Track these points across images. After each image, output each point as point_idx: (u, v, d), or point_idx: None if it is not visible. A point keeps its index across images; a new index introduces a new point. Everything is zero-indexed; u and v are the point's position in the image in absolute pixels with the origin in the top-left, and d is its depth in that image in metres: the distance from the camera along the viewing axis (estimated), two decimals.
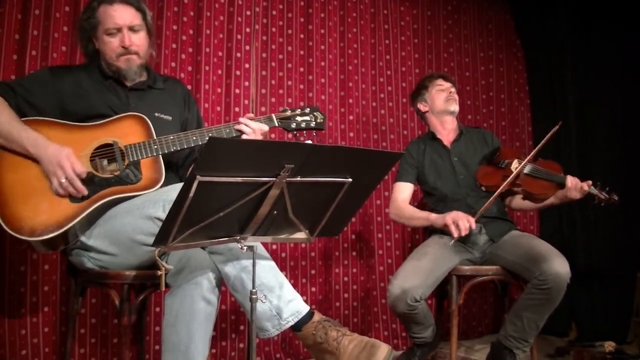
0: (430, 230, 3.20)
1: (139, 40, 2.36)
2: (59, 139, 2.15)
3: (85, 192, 2.11)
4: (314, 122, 2.45)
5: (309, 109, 2.47)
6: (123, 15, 2.31)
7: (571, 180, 2.89)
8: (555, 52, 4.34)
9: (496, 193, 2.91)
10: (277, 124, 2.41)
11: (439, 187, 3.17)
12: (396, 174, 3.32)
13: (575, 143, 4.22)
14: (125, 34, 2.31)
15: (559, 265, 2.63)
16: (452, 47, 4.39)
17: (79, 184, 2.10)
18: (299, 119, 2.44)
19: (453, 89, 3.29)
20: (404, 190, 3.24)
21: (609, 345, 3.47)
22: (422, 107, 3.34)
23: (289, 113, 2.45)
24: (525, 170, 2.99)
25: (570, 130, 4.24)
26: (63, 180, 2.08)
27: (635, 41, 3.95)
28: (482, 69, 4.48)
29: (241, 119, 2.34)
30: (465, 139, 3.29)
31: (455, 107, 3.28)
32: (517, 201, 3.17)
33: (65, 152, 2.10)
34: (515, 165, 3.01)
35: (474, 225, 2.85)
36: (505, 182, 2.91)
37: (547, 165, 3.03)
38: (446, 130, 3.30)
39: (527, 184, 2.97)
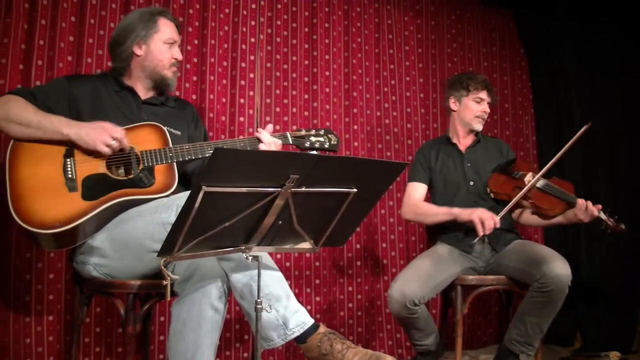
0: (435, 238, 3.20)
1: None
2: None
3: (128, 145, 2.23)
4: (328, 144, 2.52)
5: (323, 131, 2.55)
6: (177, 33, 2.54)
7: (582, 202, 2.86)
8: (559, 60, 4.34)
9: (513, 201, 2.92)
10: (291, 142, 2.49)
11: (447, 192, 3.17)
12: (408, 173, 3.31)
13: (580, 150, 4.21)
14: (178, 48, 2.50)
15: (560, 267, 2.64)
16: (456, 56, 4.40)
17: (126, 141, 2.21)
18: (313, 139, 2.52)
19: (488, 110, 3.24)
20: (417, 189, 3.21)
21: (614, 355, 3.47)
22: (452, 104, 3.29)
23: (303, 132, 2.52)
24: (538, 185, 2.97)
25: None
26: (113, 142, 2.16)
27: (638, 43, 3.96)
28: (486, 78, 4.48)
29: (259, 129, 2.45)
30: (481, 147, 3.27)
31: (479, 128, 3.24)
32: (526, 216, 3.15)
33: (101, 122, 2.21)
34: (528, 178, 3.00)
35: (498, 224, 2.87)
36: (522, 192, 2.91)
37: (561, 184, 3.01)
38: (464, 135, 3.28)
39: (537, 198, 2.95)
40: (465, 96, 3.23)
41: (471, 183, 3.15)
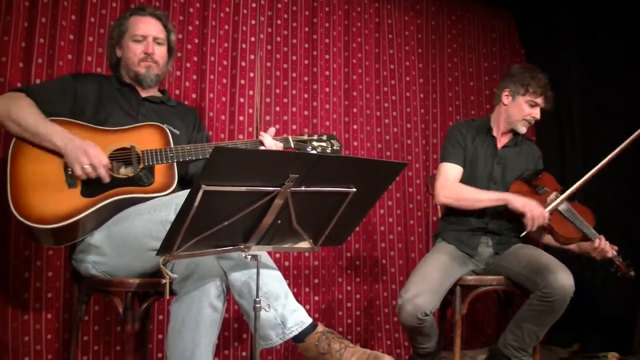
0: (435, 235, 3.20)
1: (159, 52, 2.53)
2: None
3: (108, 178, 2.17)
4: (330, 149, 2.52)
5: (326, 137, 2.54)
6: (151, 27, 2.51)
7: (598, 242, 2.83)
8: (559, 61, 4.34)
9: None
10: (292, 146, 2.49)
11: (468, 184, 3.04)
12: (442, 153, 3.16)
13: (581, 151, 4.22)
14: (150, 42, 2.49)
15: (564, 278, 2.62)
16: (456, 56, 4.40)
17: (103, 170, 2.15)
18: (315, 143, 2.51)
19: (538, 116, 3.05)
20: (454, 171, 3.05)
21: (613, 356, 3.47)
22: (505, 97, 3.09)
23: (306, 137, 2.53)
24: (560, 208, 2.90)
25: (575, 138, 4.25)
26: (87, 166, 2.13)
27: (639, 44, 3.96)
28: (486, 78, 4.49)
29: (262, 133, 2.44)
30: (516, 149, 3.14)
31: (523, 131, 3.09)
32: (543, 235, 3.07)
33: (92, 144, 2.17)
34: (552, 198, 2.93)
35: (546, 221, 2.81)
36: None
37: (582, 211, 2.94)
38: (504, 131, 3.14)
39: (556, 222, 2.89)
40: (522, 95, 3.03)
41: (492, 183, 3.05)
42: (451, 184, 3.03)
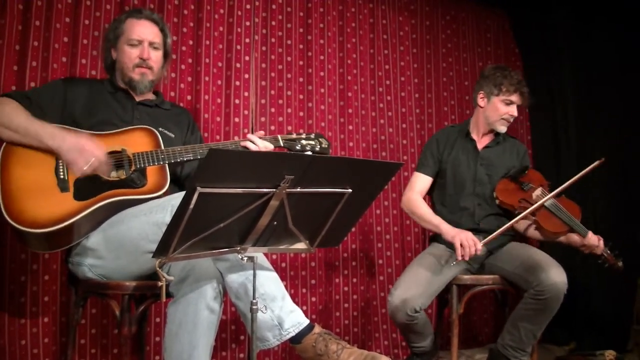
0: (432, 237, 3.19)
1: (155, 57, 2.50)
2: None
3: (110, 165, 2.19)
4: (319, 147, 2.54)
5: (314, 135, 2.57)
6: (147, 31, 2.48)
7: (590, 238, 2.85)
8: (554, 61, 4.35)
9: (511, 222, 2.85)
10: (282, 144, 2.50)
11: (454, 189, 3.09)
12: (418, 158, 3.22)
13: (576, 150, 4.22)
14: (146, 47, 2.46)
15: (556, 275, 2.64)
16: (450, 56, 4.41)
17: (106, 159, 2.16)
18: (304, 142, 2.53)
19: (515, 114, 3.07)
20: (421, 182, 3.12)
21: (609, 354, 3.47)
22: (480, 99, 3.12)
23: (294, 136, 2.55)
24: (546, 204, 2.88)
25: (569, 136, 4.25)
26: (85, 169, 2.11)
27: (634, 43, 3.97)
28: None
29: (249, 135, 2.44)
30: (499, 148, 3.14)
31: (503, 130, 3.09)
32: (531, 231, 3.06)
33: (84, 138, 2.16)
34: (537, 194, 2.93)
35: (479, 252, 2.76)
36: (524, 212, 2.83)
37: (568, 205, 2.93)
38: (484, 132, 3.16)
39: (542, 218, 2.88)
40: (496, 95, 3.05)
41: (479, 185, 3.06)
42: (411, 196, 3.12)
